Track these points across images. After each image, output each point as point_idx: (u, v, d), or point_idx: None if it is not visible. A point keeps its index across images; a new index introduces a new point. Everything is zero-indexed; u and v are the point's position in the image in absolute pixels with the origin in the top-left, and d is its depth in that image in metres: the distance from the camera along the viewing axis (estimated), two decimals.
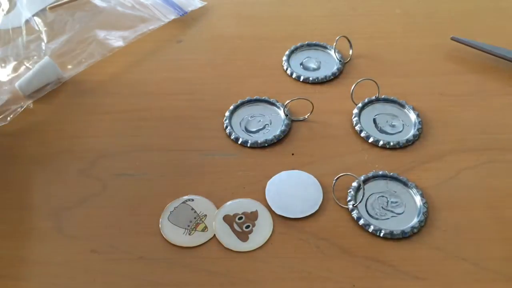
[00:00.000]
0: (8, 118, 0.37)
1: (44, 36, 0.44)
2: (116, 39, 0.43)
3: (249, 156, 0.34)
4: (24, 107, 0.38)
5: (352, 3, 0.48)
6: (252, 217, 0.30)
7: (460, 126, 0.35)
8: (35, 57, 0.42)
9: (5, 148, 0.36)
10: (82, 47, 0.43)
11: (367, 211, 0.30)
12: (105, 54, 0.42)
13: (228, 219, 0.30)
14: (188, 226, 0.30)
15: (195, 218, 0.30)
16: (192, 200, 0.31)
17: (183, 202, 0.31)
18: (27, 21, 0.45)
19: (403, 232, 0.29)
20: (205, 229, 0.30)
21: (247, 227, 0.30)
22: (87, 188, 0.33)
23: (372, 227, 0.29)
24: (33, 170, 0.34)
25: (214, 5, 0.49)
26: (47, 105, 0.39)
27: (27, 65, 0.41)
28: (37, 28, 0.45)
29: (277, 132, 0.35)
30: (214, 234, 0.29)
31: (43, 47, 0.43)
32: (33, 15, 0.46)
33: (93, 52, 0.42)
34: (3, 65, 0.42)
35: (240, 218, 0.30)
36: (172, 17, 0.46)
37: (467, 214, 0.30)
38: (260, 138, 0.35)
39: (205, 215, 0.30)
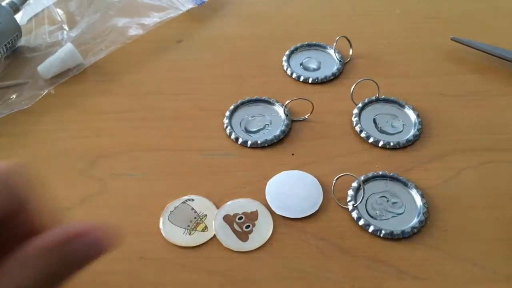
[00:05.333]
0: (33, 102, 0.38)
1: (65, 26, 0.45)
2: (135, 28, 0.45)
3: (249, 156, 0.34)
4: (46, 91, 0.39)
5: (352, 3, 0.48)
6: (252, 217, 0.30)
7: (460, 126, 0.35)
8: (57, 45, 0.43)
9: (5, 148, 0.36)
10: (103, 36, 0.44)
11: (367, 211, 0.30)
12: (125, 41, 0.43)
13: (228, 219, 0.30)
14: (188, 226, 0.30)
15: (195, 218, 0.30)
16: (193, 200, 0.31)
17: (183, 202, 0.31)
18: (48, 11, 0.47)
19: (403, 232, 0.29)
20: (205, 229, 0.30)
21: (247, 227, 0.30)
22: (87, 188, 0.33)
23: (372, 227, 0.29)
24: (33, 170, 0.34)
25: (214, 5, 0.48)
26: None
27: (50, 51, 0.43)
28: (59, 18, 0.46)
29: (277, 132, 0.35)
30: (214, 234, 0.29)
31: (65, 36, 0.45)
32: (53, 4, 0.48)
33: (113, 40, 0.44)
34: (27, 52, 0.44)
35: (240, 218, 0.30)
36: (190, 5, 0.47)
37: (467, 214, 0.30)
38: (260, 138, 0.35)
39: (205, 215, 0.30)
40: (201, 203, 0.31)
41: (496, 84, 0.39)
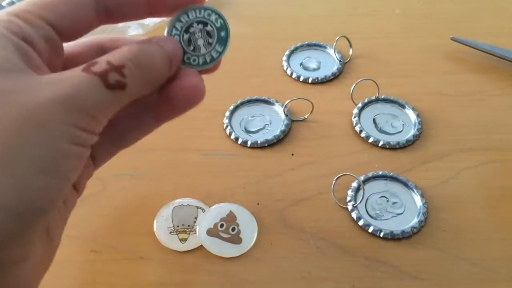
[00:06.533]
0: None
1: None
2: (135, 28, 0.45)
3: (249, 156, 0.34)
4: None
5: (352, 3, 0.48)
6: (231, 219, 0.30)
7: (460, 126, 0.35)
8: None
9: None
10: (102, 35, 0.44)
11: (367, 211, 0.30)
12: None
13: (212, 232, 0.29)
14: (175, 231, 0.30)
15: (182, 224, 0.30)
16: (184, 205, 0.31)
17: (176, 206, 0.31)
18: None
19: (403, 232, 0.29)
20: (183, 240, 0.29)
21: (233, 229, 0.30)
22: (87, 188, 0.32)
23: (372, 227, 0.29)
24: None
25: (214, 5, 0.48)
26: None
27: None
28: None
29: (277, 132, 0.35)
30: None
31: None
32: None
33: None
34: None
35: (222, 226, 0.30)
36: None
37: (467, 214, 0.30)
38: (260, 138, 0.35)
39: (190, 226, 0.30)
40: (191, 210, 0.31)
41: (496, 84, 0.39)
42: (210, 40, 0.23)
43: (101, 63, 0.19)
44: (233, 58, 0.43)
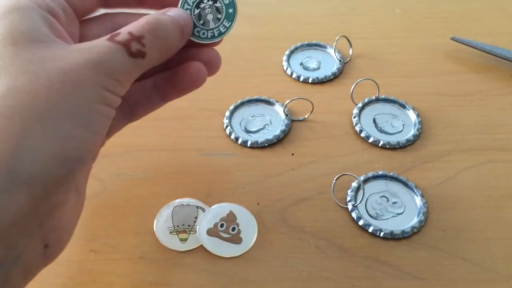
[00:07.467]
0: None
1: None
2: None
3: (249, 156, 0.34)
4: None
5: (352, 3, 0.48)
6: (232, 218, 0.30)
7: (460, 126, 0.35)
8: None
9: None
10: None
11: (367, 211, 0.30)
12: None
13: (212, 232, 0.29)
14: (175, 230, 0.30)
15: (183, 224, 0.30)
16: (184, 204, 0.31)
17: (176, 206, 0.31)
18: None
19: (403, 232, 0.29)
20: (184, 240, 0.29)
21: (233, 229, 0.30)
22: (87, 188, 0.33)
23: (372, 227, 0.29)
24: None
25: None
26: None
27: None
28: None
29: (277, 132, 0.35)
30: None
31: None
32: None
33: None
34: None
35: (222, 226, 0.30)
36: None
37: (467, 214, 0.30)
38: (260, 138, 0.35)
39: (190, 226, 0.30)
40: (191, 210, 0.31)
41: (496, 84, 0.39)
42: (219, 16, 0.25)
43: (124, 33, 0.21)
44: (233, 58, 0.43)
